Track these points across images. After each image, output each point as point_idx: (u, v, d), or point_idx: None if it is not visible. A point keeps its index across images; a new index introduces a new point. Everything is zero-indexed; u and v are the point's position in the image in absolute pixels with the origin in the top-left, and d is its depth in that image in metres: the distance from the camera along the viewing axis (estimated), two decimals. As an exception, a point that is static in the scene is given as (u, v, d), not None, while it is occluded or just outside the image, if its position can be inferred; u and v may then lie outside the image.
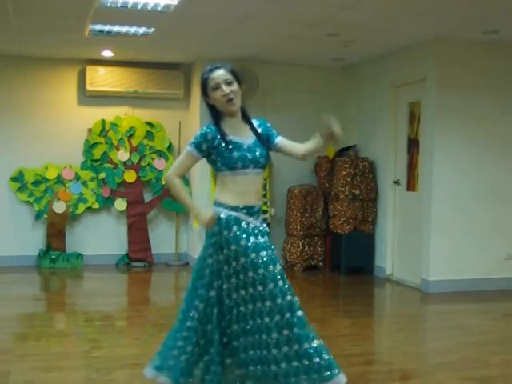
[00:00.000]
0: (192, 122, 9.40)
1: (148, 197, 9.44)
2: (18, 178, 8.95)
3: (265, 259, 3.43)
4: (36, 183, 8.98)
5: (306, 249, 9.04)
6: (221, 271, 3.50)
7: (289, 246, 9.11)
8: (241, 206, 3.50)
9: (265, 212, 9.09)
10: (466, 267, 7.74)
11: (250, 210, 3.52)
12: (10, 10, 6.47)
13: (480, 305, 7.24)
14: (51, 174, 9.02)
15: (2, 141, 9.00)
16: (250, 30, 7.19)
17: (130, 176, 9.25)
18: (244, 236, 3.46)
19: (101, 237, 9.36)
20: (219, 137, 3.49)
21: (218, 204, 3.56)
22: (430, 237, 7.62)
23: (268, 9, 6.30)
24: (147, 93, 9.26)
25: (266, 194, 9.14)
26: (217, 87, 3.49)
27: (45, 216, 8.98)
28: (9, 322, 6.09)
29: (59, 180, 9.06)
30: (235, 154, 3.49)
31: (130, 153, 9.25)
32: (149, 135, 9.34)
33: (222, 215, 3.49)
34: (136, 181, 9.30)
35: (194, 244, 9.27)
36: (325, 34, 7.24)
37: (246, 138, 3.57)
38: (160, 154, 9.36)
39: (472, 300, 7.39)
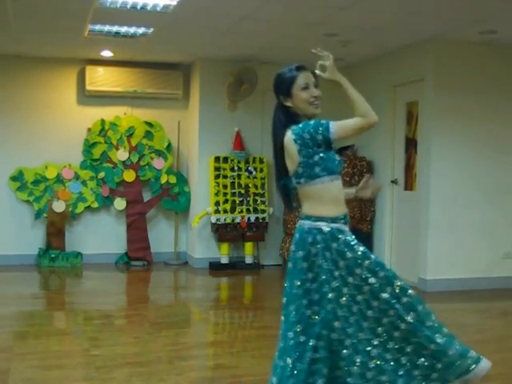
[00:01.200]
0: (191, 121, 9.43)
1: (147, 196, 9.46)
2: (17, 177, 8.97)
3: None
4: (36, 182, 9.01)
5: (304, 248, 9.04)
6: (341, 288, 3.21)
7: (287, 245, 9.13)
8: (340, 216, 3.28)
9: (263, 211, 9.13)
10: (463, 266, 7.77)
11: (345, 219, 3.31)
12: (10, 10, 6.49)
13: (477, 303, 7.27)
14: (51, 174, 9.04)
15: (1, 140, 9.02)
16: (249, 30, 7.22)
17: (129, 175, 9.28)
18: (352, 243, 3.25)
19: (100, 236, 9.39)
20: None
21: (314, 219, 3.26)
22: (428, 236, 7.65)
23: (266, 9, 6.32)
24: (146, 93, 9.28)
25: (264, 193, 9.18)
26: (307, 87, 3.32)
27: (44, 215, 9.01)
28: (9, 321, 6.12)
29: (59, 179, 9.09)
30: (336, 155, 3.30)
31: (130, 152, 9.27)
32: (148, 135, 9.36)
33: (323, 228, 3.23)
34: (135, 180, 9.32)
35: (193, 243, 9.30)
36: (323, 34, 7.26)
37: None
38: (159, 153, 9.39)
39: (469, 299, 7.41)
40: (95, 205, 9.24)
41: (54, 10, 6.52)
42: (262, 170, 9.21)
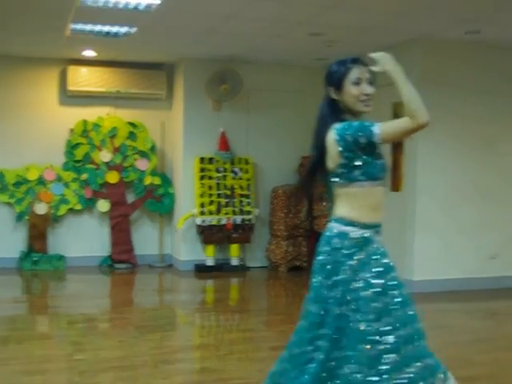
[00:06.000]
0: (175, 122, 9.36)
1: (131, 198, 9.37)
2: (-2, 179, 8.87)
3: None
4: (17, 184, 8.88)
5: (290, 249, 9.01)
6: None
7: (273, 246, 9.09)
8: (373, 224, 3.14)
9: (249, 213, 9.07)
10: (450, 267, 7.75)
11: (378, 228, 3.18)
12: (-10, 9, 6.40)
13: (466, 304, 7.26)
14: (32, 175, 8.93)
15: (-18, 142, 8.92)
16: (234, 29, 7.16)
17: (112, 177, 9.18)
18: (374, 257, 3.13)
19: (83, 238, 9.28)
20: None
21: (345, 222, 3.11)
22: (415, 237, 7.63)
23: (252, 8, 6.27)
24: (130, 93, 9.20)
25: (250, 194, 9.11)
26: (358, 82, 3.12)
27: (26, 217, 8.89)
28: (-10, 325, 6.04)
29: (40, 181, 8.97)
30: (380, 160, 3.12)
31: (113, 153, 9.18)
32: (131, 136, 9.27)
33: (351, 234, 3.10)
34: (119, 182, 9.23)
35: (178, 245, 9.22)
36: (309, 33, 7.23)
37: None
38: (143, 154, 9.29)
39: (457, 299, 7.41)
40: (78, 207, 9.13)
41: (34, 9, 6.42)
42: (247, 171, 9.14)
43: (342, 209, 3.15)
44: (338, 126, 3.09)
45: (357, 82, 3.12)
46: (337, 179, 3.13)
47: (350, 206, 3.12)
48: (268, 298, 8.15)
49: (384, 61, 3.09)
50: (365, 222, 3.11)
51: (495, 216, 7.95)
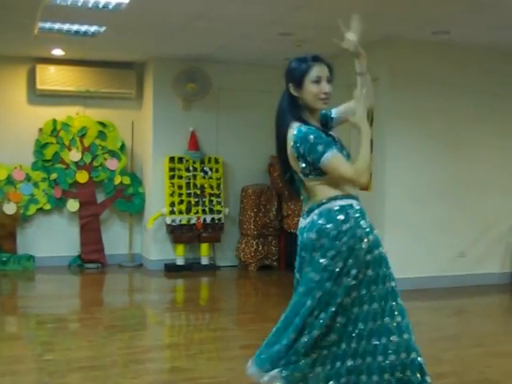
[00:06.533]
0: (145, 121, 9.33)
1: (100, 197, 9.32)
2: (-34, 178, 8.76)
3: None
4: (-15, 184, 8.81)
5: (259, 248, 9.04)
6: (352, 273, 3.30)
7: (243, 245, 9.10)
8: (357, 197, 3.30)
9: (219, 212, 9.08)
10: (418, 265, 7.81)
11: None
12: (-43, 7, 6.33)
13: (433, 302, 7.33)
14: (1, 175, 8.83)
15: (-51, 141, 8.81)
16: (204, 29, 7.16)
17: (82, 176, 9.12)
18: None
19: (53, 238, 9.21)
20: (325, 135, 3.19)
21: (341, 196, 3.21)
22: (383, 235, 7.61)
23: (221, 8, 6.28)
24: (99, 92, 9.15)
25: (220, 193, 9.12)
26: (318, 80, 3.21)
27: (-6, 217, 8.82)
28: (-42, 327, 5.97)
29: (9, 181, 8.88)
30: (344, 151, 3.26)
31: (82, 153, 9.12)
32: (101, 135, 9.22)
33: (354, 205, 3.24)
34: (88, 181, 9.17)
35: (148, 245, 9.20)
36: (278, 33, 7.25)
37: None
38: (112, 154, 9.26)
39: (425, 297, 7.47)
40: (47, 206, 9.06)
41: (1, 7, 6.36)
42: (217, 171, 9.15)
43: (328, 190, 3.21)
44: (296, 130, 3.15)
45: (317, 81, 3.21)
46: (308, 177, 3.20)
47: (332, 187, 3.20)
48: (238, 297, 8.16)
49: (361, 116, 3.17)
50: (353, 195, 3.26)
51: (463, 215, 8.04)
